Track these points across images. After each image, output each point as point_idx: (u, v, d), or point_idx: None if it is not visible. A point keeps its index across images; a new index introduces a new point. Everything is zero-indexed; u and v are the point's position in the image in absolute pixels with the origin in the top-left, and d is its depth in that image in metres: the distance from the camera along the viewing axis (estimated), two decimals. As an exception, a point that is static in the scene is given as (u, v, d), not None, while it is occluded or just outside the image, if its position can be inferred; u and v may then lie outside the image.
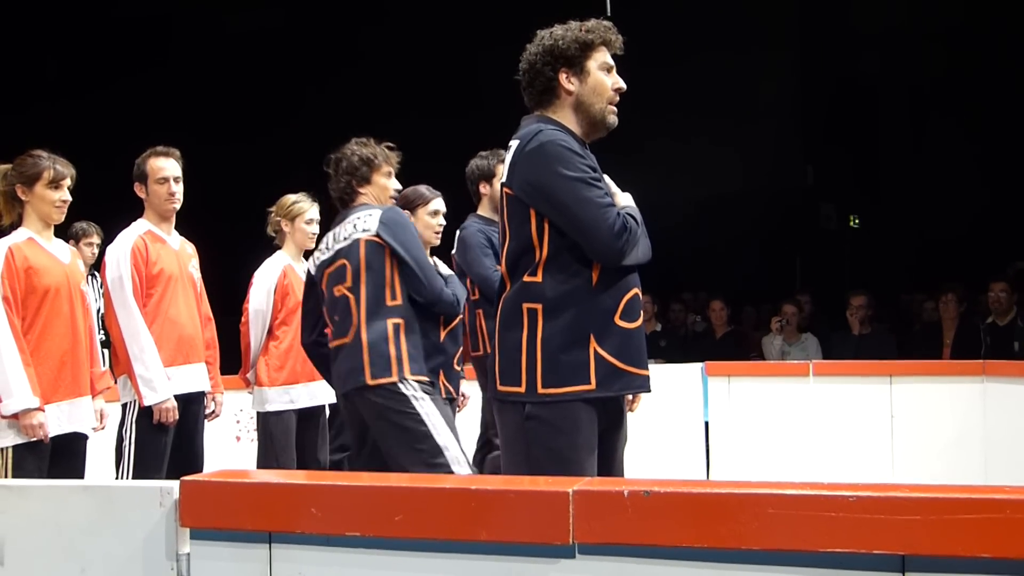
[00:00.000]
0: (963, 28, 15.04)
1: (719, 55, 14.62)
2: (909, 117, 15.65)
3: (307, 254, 6.01)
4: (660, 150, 11.93)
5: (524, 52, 3.35)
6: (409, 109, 14.54)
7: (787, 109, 15.56)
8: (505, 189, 3.23)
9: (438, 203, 5.06)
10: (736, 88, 14.12)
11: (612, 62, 3.35)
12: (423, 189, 5.05)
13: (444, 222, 5.08)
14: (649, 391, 3.30)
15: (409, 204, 4.95)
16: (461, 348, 4.92)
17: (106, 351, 5.91)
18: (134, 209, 5.12)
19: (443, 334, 4.72)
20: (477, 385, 5.74)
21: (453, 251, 5.71)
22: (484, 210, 5.74)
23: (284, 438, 5.63)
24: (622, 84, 3.35)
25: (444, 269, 4.85)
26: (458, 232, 5.71)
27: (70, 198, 4.57)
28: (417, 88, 14.74)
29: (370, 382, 4.19)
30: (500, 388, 3.21)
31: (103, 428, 4.79)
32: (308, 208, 5.82)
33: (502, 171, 3.28)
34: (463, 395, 5.28)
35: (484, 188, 5.72)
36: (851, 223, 17.07)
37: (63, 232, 5.97)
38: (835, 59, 16.24)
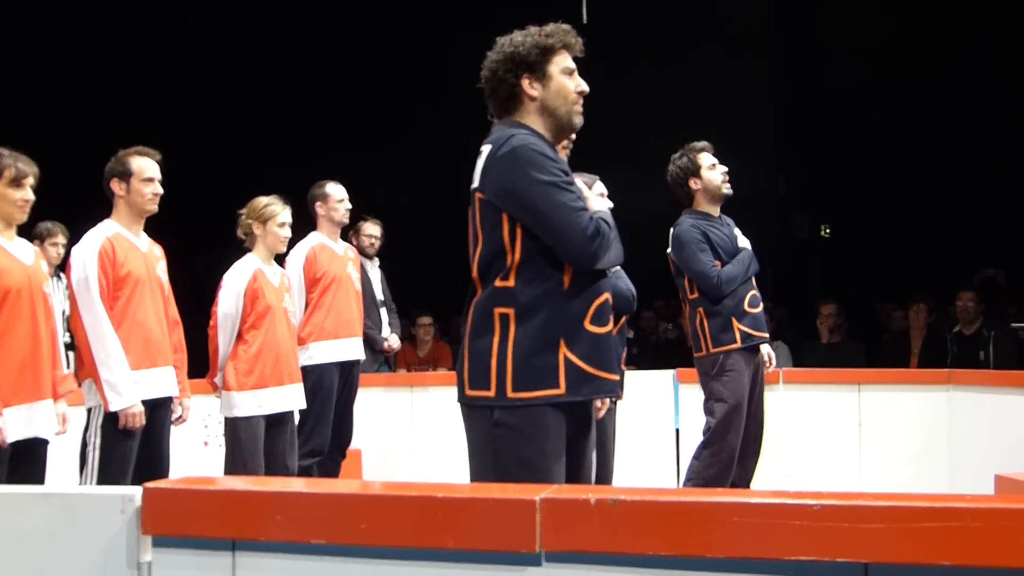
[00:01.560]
0: (937, 41, 15.15)
1: (691, 64, 14.68)
2: (881, 128, 15.72)
3: (278, 257, 5.99)
4: (633, 156, 11.95)
5: (485, 60, 3.35)
6: (387, 118, 14.53)
7: (760, 119, 15.64)
8: (477, 193, 3.22)
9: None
10: (709, 97, 14.19)
11: (573, 65, 3.35)
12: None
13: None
14: (618, 396, 3.29)
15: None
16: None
17: (71, 354, 5.86)
18: (100, 214, 5.07)
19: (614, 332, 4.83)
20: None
21: (668, 249, 5.82)
22: (700, 205, 5.83)
23: (252, 444, 5.60)
24: (584, 86, 3.36)
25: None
26: (672, 230, 5.83)
27: (33, 197, 4.47)
28: (395, 95, 14.71)
29: None
30: (468, 393, 3.20)
31: (64, 432, 4.73)
32: (281, 211, 5.79)
33: (476, 176, 3.27)
34: None
35: (695, 184, 5.80)
36: (822, 232, 17.17)
37: (28, 233, 5.91)
38: (809, 70, 16.32)
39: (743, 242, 5.83)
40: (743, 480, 5.67)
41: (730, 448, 5.57)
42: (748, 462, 5.71)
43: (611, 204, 5.07)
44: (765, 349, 5.82)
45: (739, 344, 5.61)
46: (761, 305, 5.80)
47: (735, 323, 5.62)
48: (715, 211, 5.83)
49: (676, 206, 5.91)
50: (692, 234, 5.67)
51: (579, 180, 4.91)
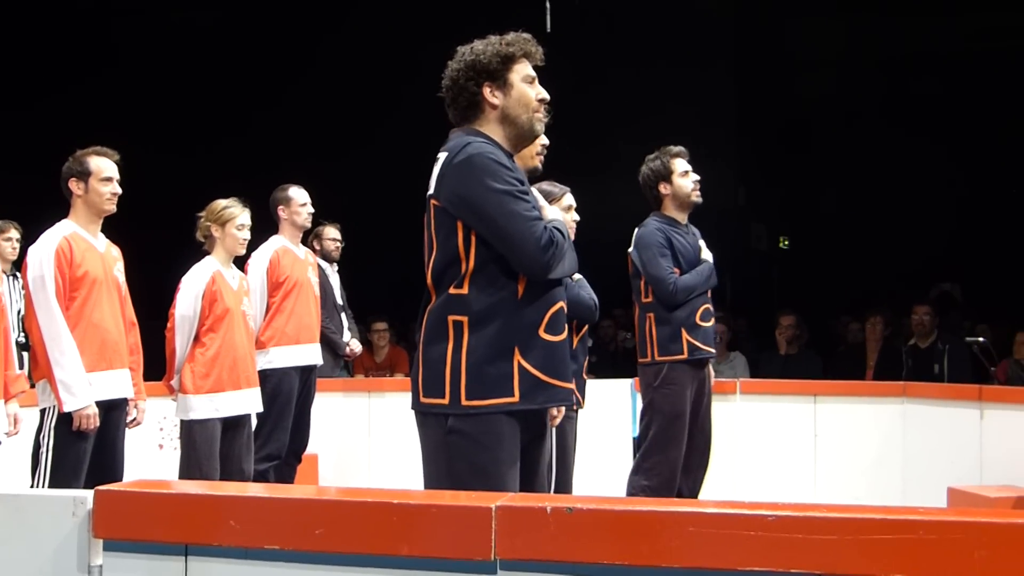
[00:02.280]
0: (898, 53, 15.30)
1: (651, 76, 14.73)
2: (841, 141, 15.86)
3: (237, 260, 5.95)
4: (591, 168, 11.98)
5: (446, 68, 3.35)
6: (356, 127, 14.51)
7: (721, 130, 15.72)
8: (432, 200, 3.21)
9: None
10: (669, 109, 14.24)
11: (534, 73, 3.36)
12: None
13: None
14: (579, 404, 3.29)
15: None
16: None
17: (25, 354, 5.80)
18: (58, 213, 5.02)
19: (575, 341, 4.86)
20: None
21: (630, 249, 5.77)
22: (668, 210, 5.80)
23: (208, 447, 5.55)
24: (545, 94, 3.36)
25: (575, 275, 4.95)
26: (636, 230, 5.78)
27: None
28: (358, 101, 14.68)
29: None
30: (423, 400, 3.19)
31: (17, 433, 4.67)
32: (239, 213, 5.75)
33: (432, 183, 3.25)
34: None
35: (664, 188, 5.77)
36: (781, 244, 17.28)
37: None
38: (771, 81, 16.44)
39: (706, 254, 5.82)
40: (691, 493, 5.67)
41: (671, 462, 5.54)
42: (695, 474, 5.70)
43: (576, 218, 5.09)
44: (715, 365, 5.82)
45: (685, 356, 5.58)
46: (713, 320, 5.77)
47: (684, 334, 5.59)
48: (682, 218, 5.82)
49: (640, 215, 5.90)
50: (656, 237, 5.65)
51: (550, 189, 4.95)
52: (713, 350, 5.75)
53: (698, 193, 5.78)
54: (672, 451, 5.51)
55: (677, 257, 5.66)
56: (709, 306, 5.73)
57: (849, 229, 16.00)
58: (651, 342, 5.63)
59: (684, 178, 5.76)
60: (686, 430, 5.57)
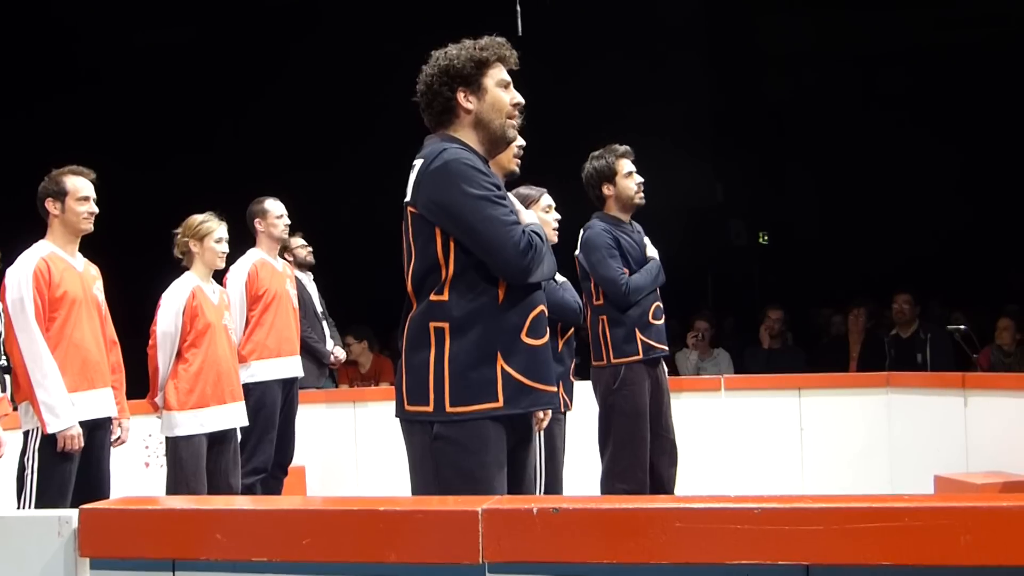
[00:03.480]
0: (875, 49, 15.36)
1: (628, 71, 14.74)
2: (817, 136, 15.90)
3: (216, 275, 5.94)
4: (568, 169, 12.01)
5: (420, 74, 3.35)
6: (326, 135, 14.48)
7: (697, 127, 15.74)
8: (409, 208, 3.21)
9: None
10: (645, 105, 14.26)
11: (508, 78, 3.36)
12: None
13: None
14: (556, 407, 3.29)
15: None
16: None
17: (7, 376, 5.76)
18: (34, 234, 5.00)
19: (561, 343, 4.85)
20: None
21: (577, 251, 5.72)
22: (611, 210, 5.76)
23: (194, 463, 5.54)
24: (520, 99, 3.36)
25: (559, 277, 4.95)
26: (582, 232, 5.73)
27: None
28: (331, 111, 14.67)
29: None
30: (407, 408, 3.18)
31: (1, 456, 4.66)
32: (217, 227, 5.74)
33: (409, 190, 3.25)
34: None
35: (607, 189, 5.72)
36: (760, 240, 17.32)
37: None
38: (745, 76, 16.46)
39: (651, 251, 5.77)
40: (664, 492, 5.65)
41: (640, 462, 5.49)
42: (666, 473, 5.67)
43: (558, 217, 5.09)
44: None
45: (640, 356, 5.54)
46: (664, 318, 5.72)
47: (638, 334, 5.55)
48: (626, 218, 5.77)
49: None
50: (603, 238, 5.59)
51: (527, 192, 4.95)
52: (666, 348, 5.72)
53: (641, 196, 5.72)
54: (640, 451, 5.49)
55: (625, 257, 5.61)
56: (659, 304, 5.70)
57: (828, 222, 16.06)
58: (605, 344, 5.60)
59: (628, 179, 5.70)
60: (648, 429, 5.55)
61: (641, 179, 5.72)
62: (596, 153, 5.77)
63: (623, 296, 5.53)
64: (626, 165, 5.73)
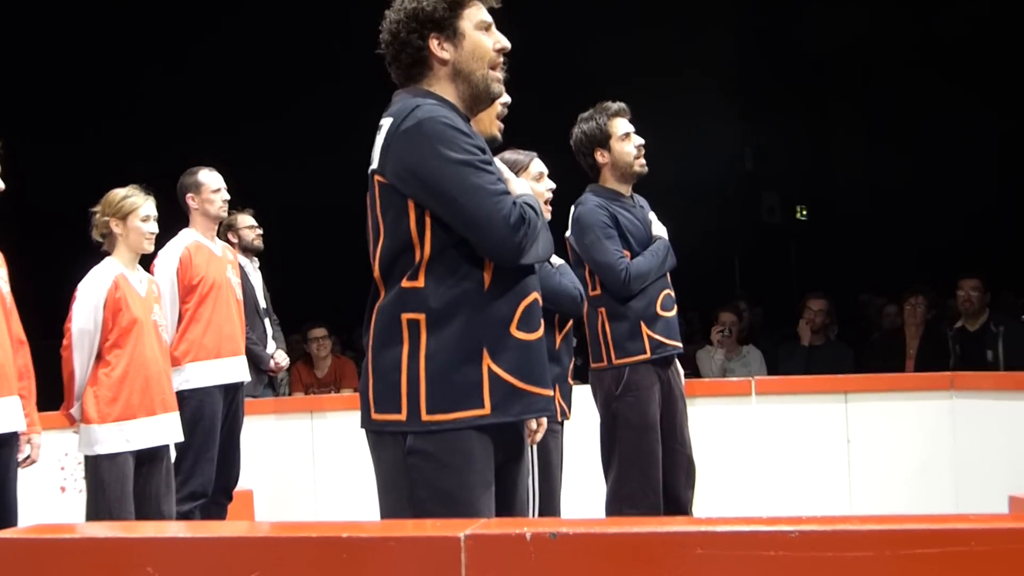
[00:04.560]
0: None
1: (640, 24, 14.73)
2: (865, 92, 15.90)
3: (144, 261, 5.94)
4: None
5: (384, 20, 3.34)
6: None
7: (722, 83, 15.73)
8: (377, 177, 3.21)
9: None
10: (661, 61, 14.25)
11: (489, 18, 3.35)
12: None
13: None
14: (554, 414, 3.30)
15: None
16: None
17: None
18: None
19: (559, 339, 4.86)
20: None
21: (567, 233, 5.68)
22: (607, 181, 5.73)
23: (119, 487, 5.54)
24: (505, 43, 3.35)
25: (555, 260, 4.94)
26: (572, 209, 5.69)
27: None
28: (280, 65, 14.63)
29: None
30: (375, 417, 3.19)
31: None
32: (143, 203, 5.73)
33: (375, 156, 3.25)
34: None
35: (601, 156, 5.68)
36: (798, 215, 17.35)
37: None
38: (779, 24, 16.44)
39: (658, 229, 5.74)
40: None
41: (651, 482, 5.46)
42: (682, 496, 5.66)
43: (552, 185, 5.09)
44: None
45: (648, 355, 5.51)
46: (676, 308, 5.69)
47: (644, 329, 5.52)
48: (626, 190, 5.74)
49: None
50: (597, 216, 5.55)
51: (515, 157, 4.95)
52: (680, 344, 5.69)
53: (643, 162, 5.67)
54: (651, 468, 5.47)
55: (626, 237, 5.58)
56: (670, 291, 5.66)
57: (879, 194, 16.06)
58: (605, 342, 5.58)
59: (625, 142, 5.65)
60: (660, 442, 5.55)
61: (641, 140, 5.67)
62: (585, 114, 5.73)
63: (623, 284, 5.50)
64: (622, 125, 5.68)
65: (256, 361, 7.74)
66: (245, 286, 7.47)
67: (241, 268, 7.35)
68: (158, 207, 5.83)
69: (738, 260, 16.15)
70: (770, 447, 7.31)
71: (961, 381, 7.19)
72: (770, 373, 9.13)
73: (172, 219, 6.47)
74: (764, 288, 14.45)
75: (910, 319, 9.42)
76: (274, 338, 8.10)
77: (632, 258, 5.54)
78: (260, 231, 8.14)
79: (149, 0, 14.39)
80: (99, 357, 5.63)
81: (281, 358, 8.08)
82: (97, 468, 5.57)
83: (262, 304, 8.03)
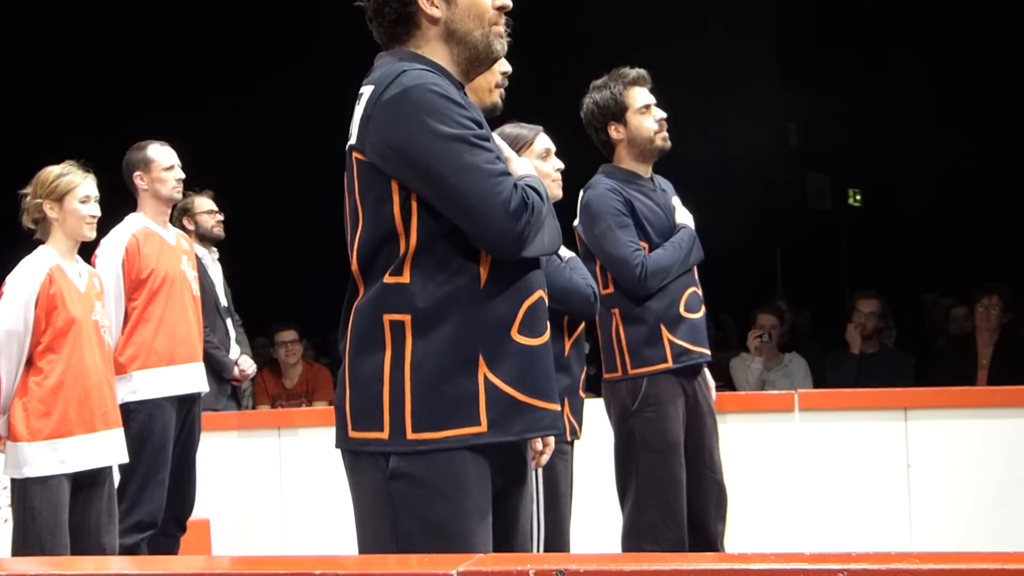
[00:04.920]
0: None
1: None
2: (927, 54, 15.89)
3: (85, 249, 5.94)
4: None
5: None
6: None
7: (759, 47, 15.73)
8: (355, 154, 3.22)
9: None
10: (685, 22, 14.24)
11: None
12: None
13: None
14: (562, 432, 3.30)
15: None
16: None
17: None
18: None
19: (568, 346, 4.90)
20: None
21: (575, 222, 5.69)
22: (622, 161, 5.74)
23: (52, 514, 5.55)
24: (506, 0, 3.35)
25: (564, 252, 4.97)
26: (581, 194, 5.70)
27: None
28: (253, 27, 14.66)
29: None
30: (353, 435, 3.20)
31: None
32: (81, 182, 5.74)
33: (354, 130, 3.25)
34: None
35: (616, 131, 5.68)
36: (851, 200, 17.35)
37: None
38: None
39: (683, 216, 5.75)
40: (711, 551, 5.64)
41: (674, 513, 5.46)
42: (712, 528, 5.66)
43: (560, 165, 5.09)
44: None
45: (670, 363, 5.51)
46: (703, 309, 5.69)
47: (665, 333, 5.51)
48: (644, 170, 5.74)
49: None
50: (609, 202, 5.55)
51: (516, 132, 4.96)
52: (707, 351, 5.68)
53: (665, 136, 5.67)
54: (673, 496, 5.47)
55: (643, 226, 5.58)
56: (697, 289, 5.66)
57: (947, 177, 16.05)
58: (620, 349, 5.57)
59: (643, 115, 5.65)
60: (683, 466, 5.55)
61: (663, 114, 5.67)
62: (598, 82, 5.72)
63: (639, 281, 5.49)
64: (641, 95, 5.68)
65: (217, 368, 7.76)
66: (203, 280, 7.48)
67: (199, 260, 7.36)
68: (101, 188, 5.84)
69: (780, 253, 16.16)
70: (815, 472, 7.30)
71: (1041, 396, 7.19)
72: (816, 385, 9.13)
73: (118, 202, 6.47)
74: (810, 286, 14.46)
75: (983, 323, 9.41)
76: (237, 341, 8.11)
77: (650, 250, 5.54)
78: (221, 217, 8.14)
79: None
80: (29, 363, 5.64)
81: (247, 365, 8.09)
82: (26, 493, 5.58)
83: (223, 302, 8.04)
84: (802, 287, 14.05)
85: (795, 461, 7.29)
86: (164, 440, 6.39)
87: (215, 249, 8.15)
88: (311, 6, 13.26)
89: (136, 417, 6.24)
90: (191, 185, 7.19)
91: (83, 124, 11.93)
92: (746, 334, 9.69)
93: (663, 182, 5.81)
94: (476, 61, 3.35)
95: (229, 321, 8.06)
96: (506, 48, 3.39)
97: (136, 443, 6.13)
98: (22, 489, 5.60)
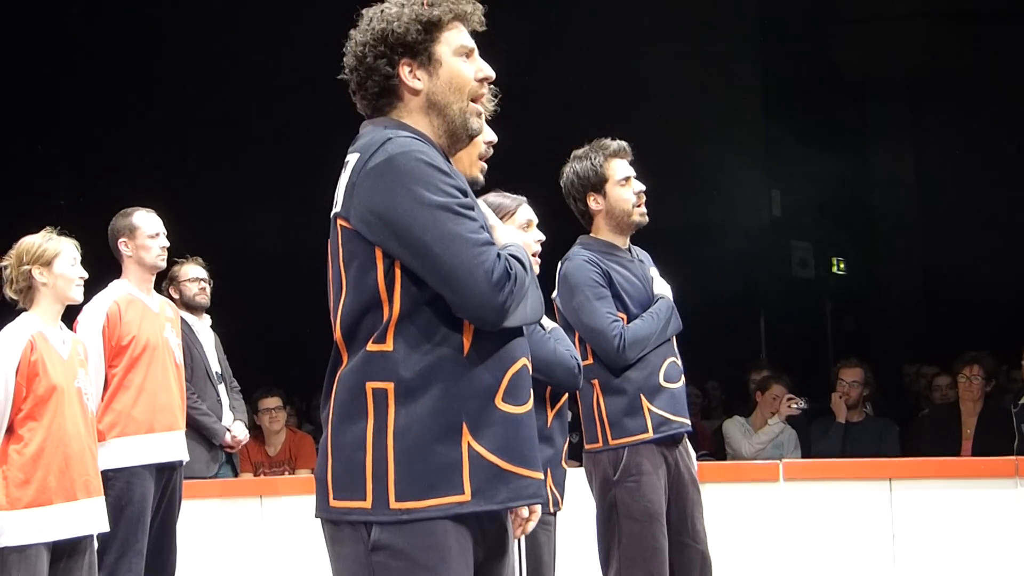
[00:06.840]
0: (975, 6, 15.43)
1: (652, 43, 14.78)
2: (909, 117, 15.93)
3: (69, 313, 5.92)
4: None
5: (349, 42, 3.37)
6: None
7: (741, 111, 15.76)
8: (340, 221, 3.21)
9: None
10: (667, 85, 14.27)
11: (472, 43, 3.38)
12: None
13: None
14: (544, 502, 3.29)
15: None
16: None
17: None
18: None
19: (550, 416, 4.88)
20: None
21: (553, 294, 5.66)
22: (600, 232, 5.75)
23: (31, 585, 5.52)
24: (489, 71, 3.37)
25: (547, 322, 4.95)
26: (559, 266, 5.69)
27: None
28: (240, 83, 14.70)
29: None
30: (334, 503, 3.18)
31: None
32: (66, 245, 5.75)
33: (339, 197, 3.26)
34: None
35: (595, 202, 5.70)
36: (835, 269, 17.35)
37: None
38: (806, 43, 16.50)
39: (661, 287, 5.75)
40: None
41: None
42: None
43: (541, 237, 5.10)
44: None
45: (651, 433, 5.50)
46: (683, 379, 5.69)
47: (645, 403, 5.49)
48: (622, 241, 5.76)
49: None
50: (586, 273, 5.54)
51: (499, 201, 4.97)
52: (687, 420, 5.67)
53: (643, 210, 5.69)
54: (656, 567, 5.43)
55: (621, 297, 5.58)
56: (676, 359, 5.66)
57: (929, 243, 16.09)
58: (600, 420, 5.54)
59: (623, 187, 5.66)
60: (666, 535, 5.53)
61: (642, 187, 5.69)
62: (579, 152, 5.75)
63: (617, 352, 5.47)
64: (620, 168, 5.70)
65: (208, 435, 7.76)
66: (192, 348, 7.49)
67: (188, 327, 7.36)
68: (83, 255, 5.85)
69: (764, 321, 16.13)
70: (800, 542, 7.29)
71: (1028, 467, 7.20)
72: (803, 456, 9.13)
73: (101, 269, 6.46)
74: (794, 354, 14.44)
75: (966, 392, 9.42)
76: (232, 408, 8.10)
77: (629, 321, 5.55)
78: (205, 285, 8.14)
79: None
80: (10, 431, 5.61)
81: (239, 431, 8.08)
82: (4, 562, 5.54)
83: (215, 368, 8.03)
84: (784, 355, 14.02)
85: (780, 531, 7.28)
86: (143, 508, 6.36)
87: (207, 316, 8.15)
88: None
89: (115, 485, 6.21)
90: (177, 251, 7.19)
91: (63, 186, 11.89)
92: (732, 401, 9.69)
93: (641, 253, 5.83)
94: (454, 134, 3.37)
95: (222, 387, 8.04)
96: (483, 124, 3.41)
97: (115, 511, 6.11)
98: (0, 558, 5.56)
